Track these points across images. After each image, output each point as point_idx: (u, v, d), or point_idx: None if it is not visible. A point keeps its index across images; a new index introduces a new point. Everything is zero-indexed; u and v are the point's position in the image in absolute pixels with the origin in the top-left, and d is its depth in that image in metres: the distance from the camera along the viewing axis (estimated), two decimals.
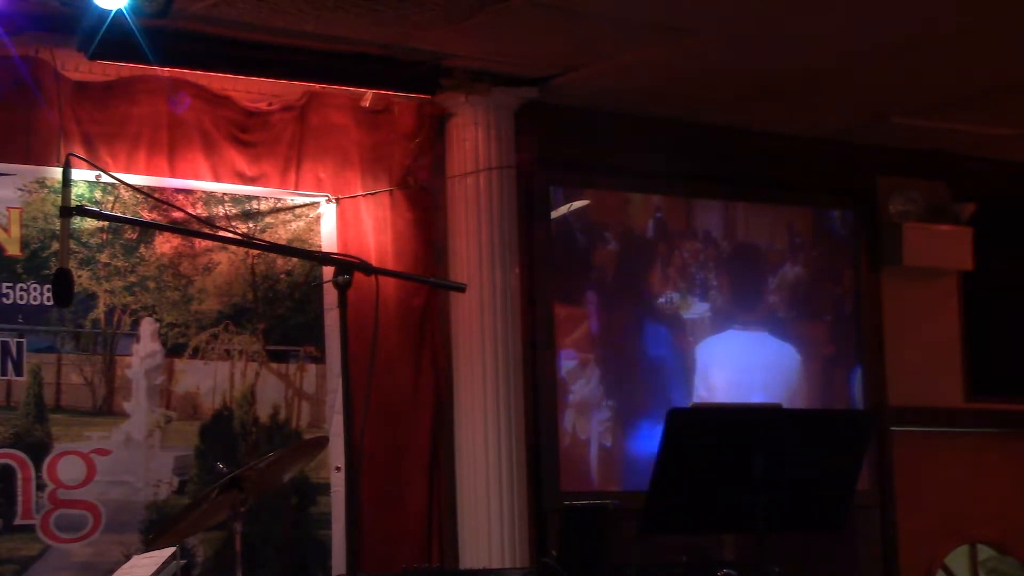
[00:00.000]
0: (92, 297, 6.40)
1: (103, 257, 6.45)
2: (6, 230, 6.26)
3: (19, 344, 6.22)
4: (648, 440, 7.42)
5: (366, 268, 4.36)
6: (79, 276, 6.28)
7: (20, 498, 6.16)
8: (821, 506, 5.34)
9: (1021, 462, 9.15)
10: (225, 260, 6.72)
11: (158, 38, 6.35)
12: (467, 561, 7.01)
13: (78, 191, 6.28)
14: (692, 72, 7.28)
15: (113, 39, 6.16)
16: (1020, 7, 6.53)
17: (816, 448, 5.23)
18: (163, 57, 6.47)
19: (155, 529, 6.02)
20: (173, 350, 6.56)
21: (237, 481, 5.30)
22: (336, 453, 6.61)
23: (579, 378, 7.76)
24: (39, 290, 6.27)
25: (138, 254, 6.53)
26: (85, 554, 6.22)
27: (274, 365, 6.78)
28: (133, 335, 6.48)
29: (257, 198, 6.84)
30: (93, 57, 6.39)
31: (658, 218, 8.09)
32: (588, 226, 7.89)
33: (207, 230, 6.39)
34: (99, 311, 6.41)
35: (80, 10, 5.99)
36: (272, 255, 6.77)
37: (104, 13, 5.87)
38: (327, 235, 6.95)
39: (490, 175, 7.20)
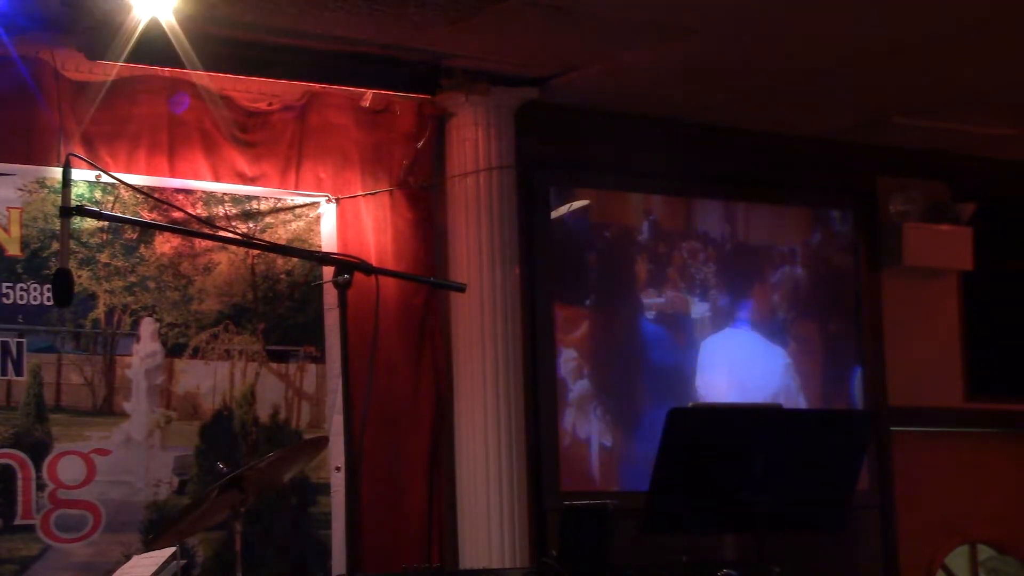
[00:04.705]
0: (92, 297, 6.40)
1: (103, 257, 6.45)
2: (6, 230, 6.26)
3: (19, 344, 6.22)
4: (648, 440, 7.41)
5: (366, 268, 4.36)
6: (79, 276, 6.28)
7: (20, 498, 6.16)
8: (821, 506, 5.34)
9: (1021, 462, 9.16)
10: (225, 260, 6.72)
11: (158, 38, 6.35)
12: (467, 561, 7.01)
13: (78, 191, 6.28)
14: (692, 72, 7.28)
15: (113, 39, 6.16)
16: (1019, 7, 6.53)
17: (816, 448, 5.23)
18: (163, 57, 6.47)
19: (155, 529, 6.03)
20: (173, 350, 6.56)
21: (237, 481, 5.30)
22: (336, 453, 6.61)
23: (579, 378, 7.76)
24: (39, 290, 6.27)
25: (138, 254, 6.53)
26: (85, 554, 6.22)
27: (274, 365, 6.78)
28: (133, 335, 6.48)
29: (257, 198, 6.84)
30: (93, 57, 6.39)
31: (658, 218, 8.09)
32: (588, 226, 7.89)
33: (207, 230, 6.38)
34: (99, 311, 6.41)
35: (80, 10, 5.99)
36: (272, 255, 6.77)
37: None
38: (327, 235, 6.95)
39: (490, 175, 7.20)
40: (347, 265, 4.27)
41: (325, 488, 6.79)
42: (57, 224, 4.97)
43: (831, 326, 8.56)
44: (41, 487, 6.19)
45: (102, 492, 6.30)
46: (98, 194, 6.42)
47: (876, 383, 8.63)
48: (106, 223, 6.41)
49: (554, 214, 7.76)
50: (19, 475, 6.17)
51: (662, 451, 5.06)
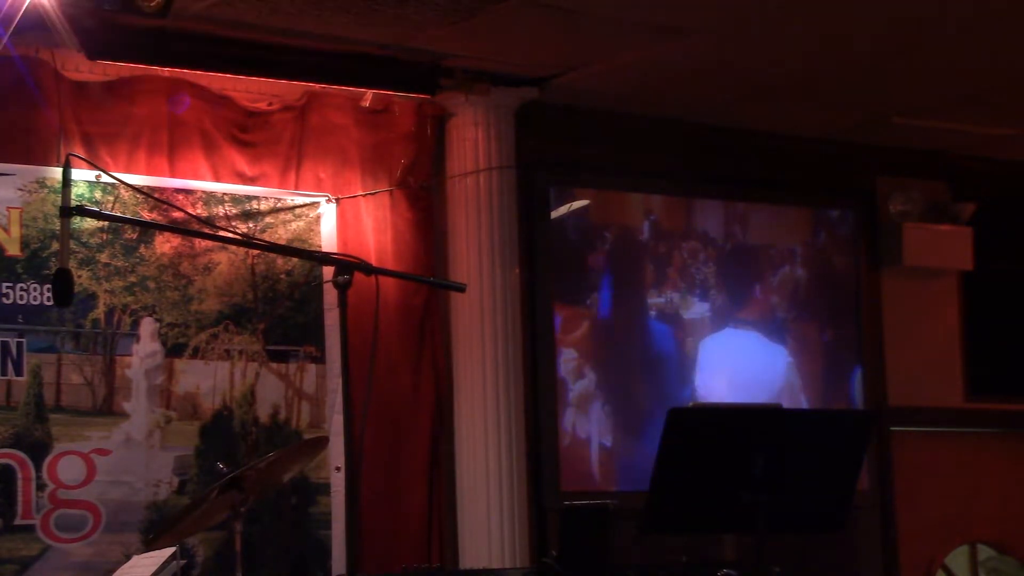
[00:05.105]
0: (92, 297, 6.40)
1: (103, 257, 6.45)
2: (6, 230, 6.26)
3: (19, 344, 6.22)
4: (648, 440, 7.42)
5: (366, 268, 4.36)
6: (79, 276, 6.28)
7: (20, 498, 6.16)
8: (821, 506, 5.33)
9: (1021, 462, 9.16)
10: (225, 260, 6.72)
11: (158, 38, 6.36)
12: (467, 561, 7.01)
13: (78, 191, 6.28)
14: (692, 72, 7.28)
15: (113, 39, 6.16)
16: (1020, 7, 6.53)
17: (816, 448, 5.22)
18: (163, 57, 6.47)
19: (155, 529, 6.02)
20: (173, 350, 6.56)
21: (237, 481, 5.30)
22: (336, 453, 6.61)
23: (579, 377, 7.76)
24: (39, 290, 6.27)
25: (138, 254, 6.53)
26: (85, 554, 6.23)
27: (274, 365, 6.78)
28: (133, 335, 6.48)
29: (257, 198, 6.84)
30: (93, 57, 6.39)
31: (658, 218, 8.09)
32: (588, 226, 7.89)
33: (207, 230, 6.39)
34: (99, 311, 6.41)
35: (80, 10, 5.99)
36: (272, 255, 6.77)
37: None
38: (327, 235, 6.95)
39: (490, 175, 7.20)
40: (347, 265, 4.26)
41: (325, 488, 6.79)
42: (57, 224, 4.97)
43: (831, 326, 8.55)
44: (41, 487, 6.19)
45: (102, 492, 6.30)
46: (98, 194, 6.42)
47: (876, 383, 8.63)
48: (106, 223, 6.41)
49: (554, 214, 7.76)
50: (19, 475, 6.17)
51: (662, 451, 5.05)
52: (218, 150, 6.73)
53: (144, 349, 6.49)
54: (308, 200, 6.94)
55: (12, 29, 5.86)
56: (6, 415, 6.18)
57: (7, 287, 6.24)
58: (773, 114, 8.03)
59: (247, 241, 6.56)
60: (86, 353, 6.37)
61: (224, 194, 6.76)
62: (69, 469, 6.26)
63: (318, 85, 6.97)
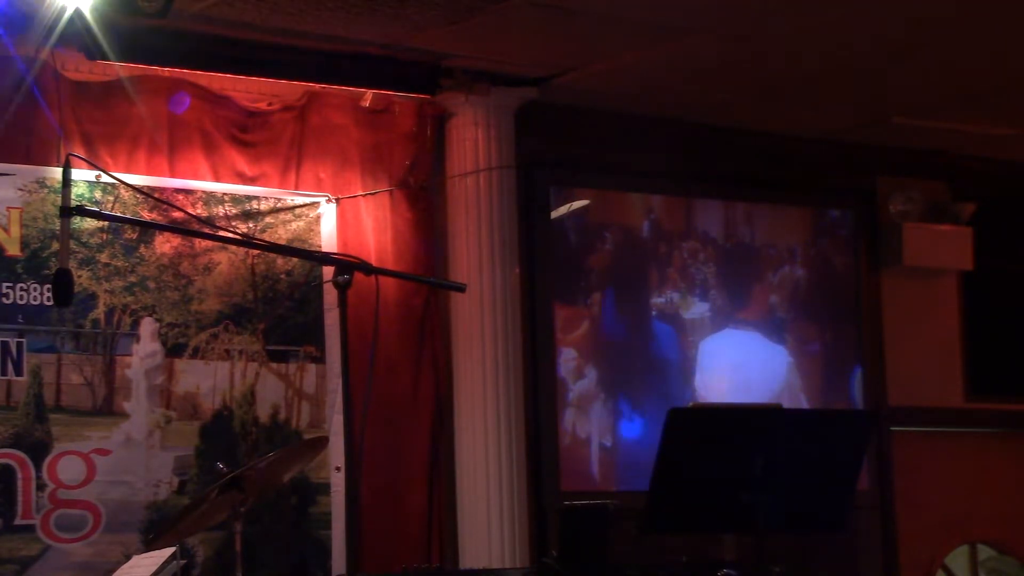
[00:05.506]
0: (92, 297, 6.40)
1: (103, 257, 6.45)
2: (6, 230, 6.26)
3: (19, 344, 6.22)
4: (648, 440, 7.42)
5: (366, 268, 4.36)
6: (79, 276, 6.28)
7: (20, 498, 6.16)
8: (821, 506, 5.34)
9: (1021, 462, 9.15)
10: (225, 260, 6.72)
11: (158, 38, 6.36)
12: (467, 561, 7.01)
13: (78, 191, 6.27)
14: (692, 72, 7.28)
15: (113, 39, 6.15)
16: (1020, 7, 6.53)
17: (816, 448, 5.23)
18: (163, 57, 6.47)
19: (155, 529, 6.02)
20: (173, 350, 6.56)
21: (237, 481, 5.30)
22: (336, 453, 6.61)
23: (579, 377, 7.76)
24: (39, 290, 6.26)
25: (138, 254, 6.53)
26: (85, 554, 6.22)
27: (274, 365, 6.78)
28: (133, 335, 6.48)
29: (257, 198, 6.84)
30: (93, 57, 6.39)
31: (658, 218, 8.09)
32: (588, 226, 7.89)
33: (207, 230, 6.39)
34: (99, 311, 6.41)
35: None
36: (272, 255, 6.77)
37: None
38: (327, 235, 6.95)
39: (490, 175, 7.20)
40: (347, 265, 4.27)
41: (325, 488, 6.79)
42: (57, 224, 4.97)
43: (831, 326, 8.55)
44: (41, 487, 6.19)
45: (102, 492, 6.30)
46: (98, 194, 6.42)
47: (876, 383, 8.63)
48: (106, 223, 6.41)
49: (554, 214, 7.76)
50: (19, 475, 6.17)
51: (662, 451, 5.06)
52: (218, 150, 6.73)
53: (144, 349, 6.49)
54: (308, 200, 6.94)
55: (12, 29, 5.87)
56: (6, 415, 6.18)
57: (7, 287, 6.24)
58: (773, 114, 8.03)
59: (247, 241, 6.56)
60: (86, 353, 6.37)
61: (224, 194, 6.76)
62: (69, 469, 6.25)
63: (318, 85, 6.97)
